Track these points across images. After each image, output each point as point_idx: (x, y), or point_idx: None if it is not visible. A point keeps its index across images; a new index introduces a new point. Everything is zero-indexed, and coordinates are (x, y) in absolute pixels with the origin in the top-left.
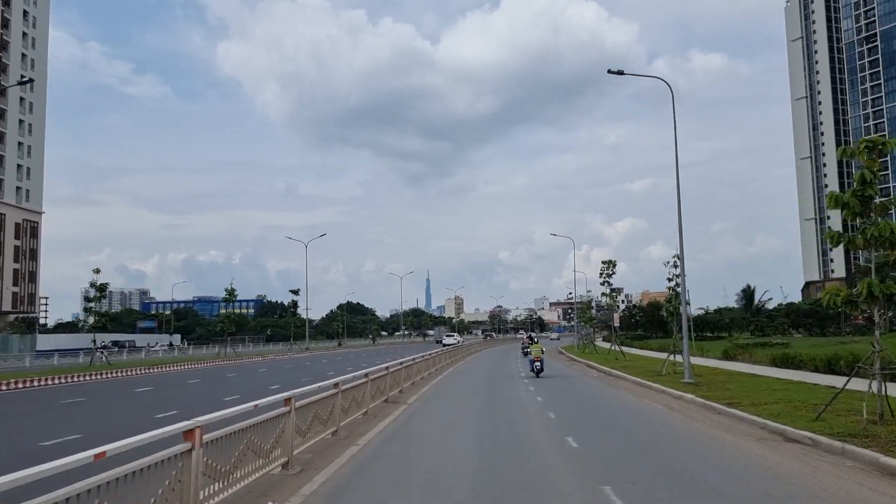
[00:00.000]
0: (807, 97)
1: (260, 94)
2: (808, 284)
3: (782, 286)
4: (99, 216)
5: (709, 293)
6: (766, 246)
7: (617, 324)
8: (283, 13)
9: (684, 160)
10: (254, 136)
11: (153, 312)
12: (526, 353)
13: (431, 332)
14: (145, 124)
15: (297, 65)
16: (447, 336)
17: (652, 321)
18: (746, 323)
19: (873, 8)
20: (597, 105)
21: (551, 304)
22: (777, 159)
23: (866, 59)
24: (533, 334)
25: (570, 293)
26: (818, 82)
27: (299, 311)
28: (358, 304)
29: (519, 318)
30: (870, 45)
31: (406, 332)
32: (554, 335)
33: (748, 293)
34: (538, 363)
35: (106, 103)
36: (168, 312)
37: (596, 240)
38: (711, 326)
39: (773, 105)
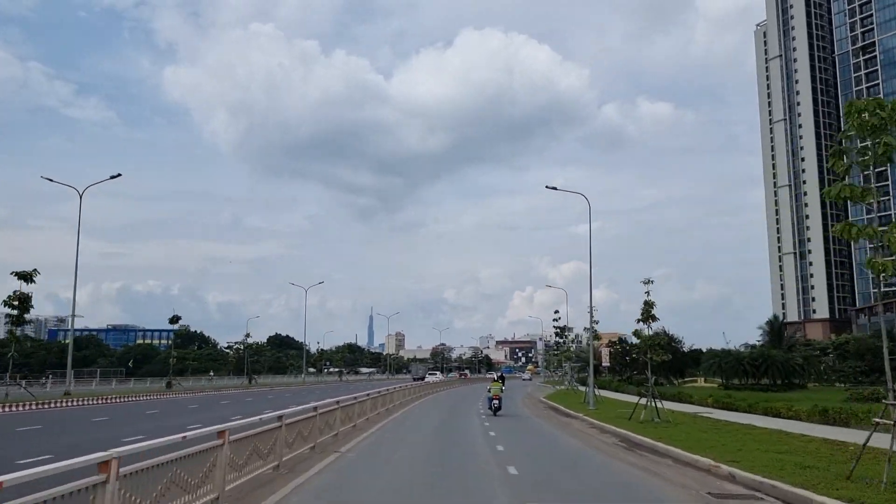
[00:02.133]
0: (785, 119)
1: (208, 121)
2: (783, 325)
3: (724, 331)
4: (33, 242)
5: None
6: (705, 292)
7: (606, 362)
8: (233, 40)
9: (629, 206)
10: (201, 165)
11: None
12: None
13: (366, 370)
14: (88, 149)
15: (248, 93)
16: (429, 374)
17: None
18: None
19: (871, 15)
20: (547, 147)
21: (498, 343)
22: (717, 209)
23: (863, 71)
24: (500, 375)
25: (526, 334)
26: (798, 103)
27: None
28: (287, 336)
29: (464, 357)
30: (867, 56)
31: (339, 371)
32: (525, 376)
33: (776, 326)
34: (496, 401)
35: (46, 126)
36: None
37: (540, 281)
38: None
39: (715, 154)
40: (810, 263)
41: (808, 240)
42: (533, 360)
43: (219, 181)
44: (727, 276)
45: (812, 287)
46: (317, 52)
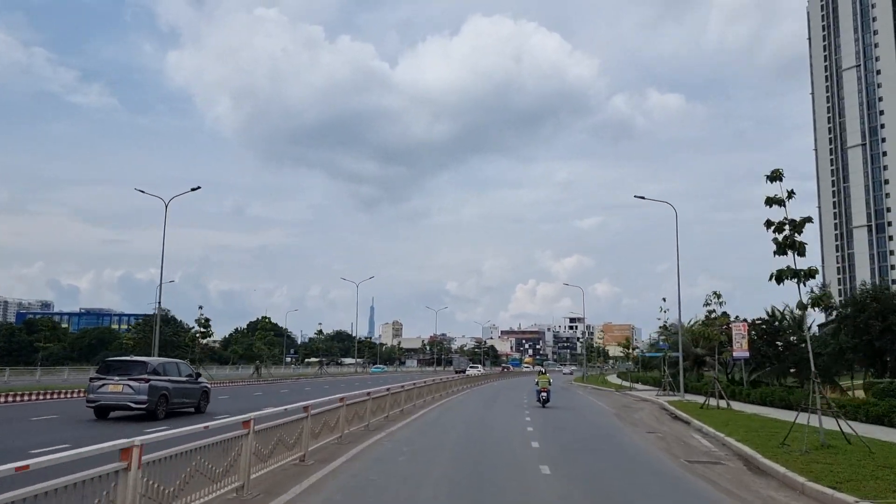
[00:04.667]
0: (859, 65)
1: (211, 107)
2: None
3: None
4: (34, 227)
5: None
6: (709, 287)
7: (742, 352)
8: (237, 24)
9: (632, 200)
10: (204, 151)
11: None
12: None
13: (351, 361)
14: (91, 135)
15: (252, 78)
16: (471, 367)
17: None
18: None
19: None
20: (555, 136)
21: (503, 333)
22: (721, 203)
23: None
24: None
25: (534, 324)
26: (876, 45)
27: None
28: (274, 323)
29: (465, 347)
30: None
31: (318, 361)
32: (566, 369)
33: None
34: (544, 394)
35: (50, 111)
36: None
37: (543, 275)
38: None
39: (723, 149)
40: (890, 238)
41: (888, 209)
42: (541, 351)
43: (222, 168)
44: (732, 271)
45: (892, 267)
46: (321, 38)
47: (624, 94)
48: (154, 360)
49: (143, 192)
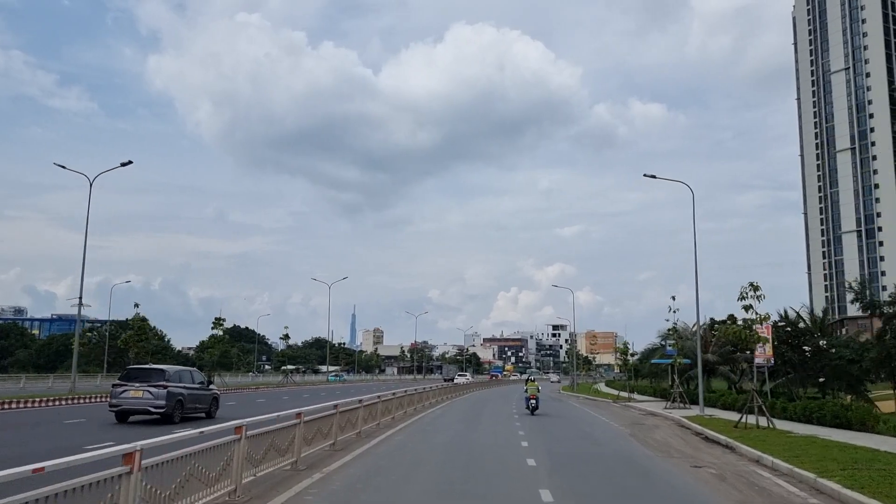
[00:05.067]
0: (848, 68)
1: (192, 113)
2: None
3: None
4: (11, 233)
5: None
6: (691, 296)
7: (768, 358)
8: (218, 29)
9: (613, 209)
10: (185, 157)
11: None
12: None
13: (324, 369)
14: (70, 140)
15: (233, 84)
16: (459, 375)
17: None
18: None
19: None
20: (538, 145)
21: (485, 340)
22: (702, 213)
23: None
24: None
25: (516, 331)
26: (865, 47)
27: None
28: (246, 328)
29: (447, 355)
30: None
31: (284, 369)
32: (553, 377)
33: None
34: (533, 401)
35: (28, 115)
36: None
37: (525, 283)
38: None
39: (705, 159)
40: (880, 243)
41: (878, 214)
42: (524, 359)
43: (203, 174)
44: (714, 280)
45: (883, 273)
46: (304, 44)
47: (606, 102)
48: (171, 368)
49: (63, 167)
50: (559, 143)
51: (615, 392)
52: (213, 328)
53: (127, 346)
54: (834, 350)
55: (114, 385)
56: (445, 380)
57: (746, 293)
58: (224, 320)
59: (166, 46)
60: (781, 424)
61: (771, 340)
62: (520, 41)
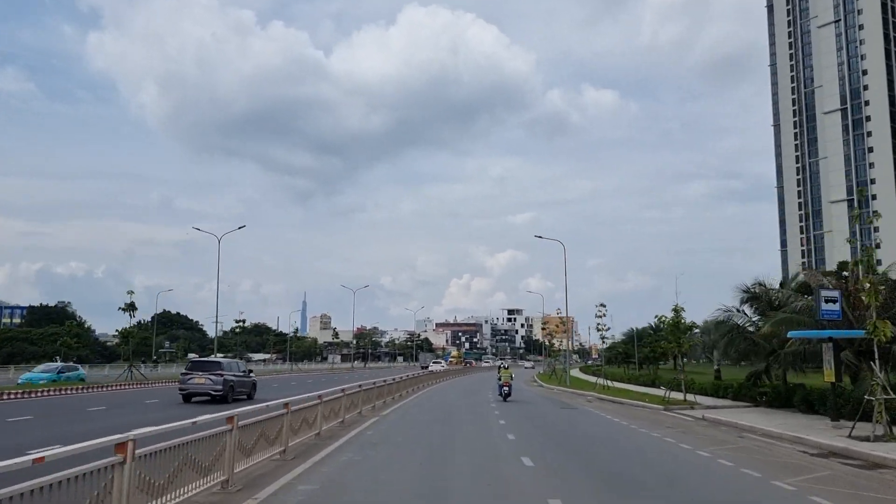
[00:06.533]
0: (838, 20)
1: (136, 95)
2: None
3: None
4: None
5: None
6: (639, 283)
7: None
8: (162, 7)
9: (566, 196)
10: (128, 141)
11: None
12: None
13: (261, 357)
14: (6, 123)
15: (179, 65)
16: (433, 363)
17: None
18: None
19: None
20: (490, 131)
21: (438, 325)
22: (650, 202)
23: None
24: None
25: (470, 316)
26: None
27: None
28: (178, 313)
29: (398, 340)
30: None
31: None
32: (527, 364)
33: None
34: (506, 388)
35: None
36: None
37: (477, 269)
38: None
39: (653, 147)
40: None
41: (872, 181)
42: (479, 344)
43: (147, 159)
44: (660, 266)
45: (878, 245)
46: (253, 24)
47: (560, 89)
48: (225, 360)
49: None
50: (512, 129)
51: (599, 381)
52: (124, 311)
53: None
54: None
55: (182, 373)
56: (422, 367)
57: None
58: (134, 305)
59: (107, 24)
60: None
61: None
62: (474, 25)
